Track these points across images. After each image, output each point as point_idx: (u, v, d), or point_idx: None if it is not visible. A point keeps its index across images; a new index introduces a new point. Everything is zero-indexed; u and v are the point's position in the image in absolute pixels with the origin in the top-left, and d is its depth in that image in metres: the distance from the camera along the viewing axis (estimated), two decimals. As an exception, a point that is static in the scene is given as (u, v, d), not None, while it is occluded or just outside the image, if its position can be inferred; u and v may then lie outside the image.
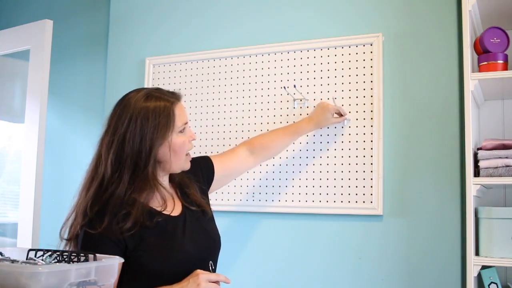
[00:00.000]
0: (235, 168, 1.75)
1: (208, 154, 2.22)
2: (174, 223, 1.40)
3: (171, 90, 1.46)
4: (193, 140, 1.46)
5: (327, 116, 1.90)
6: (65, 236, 1.35)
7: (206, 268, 1.40)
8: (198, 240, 1.43)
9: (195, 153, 2.25)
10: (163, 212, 1.39)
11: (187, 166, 1.47)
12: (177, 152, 1.39)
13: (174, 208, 1.43)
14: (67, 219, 1.36)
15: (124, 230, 1.28)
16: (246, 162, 1.78)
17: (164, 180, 1.46)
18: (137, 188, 1.34)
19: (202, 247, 1.43)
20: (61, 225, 1.37)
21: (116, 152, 1.33)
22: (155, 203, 1.39)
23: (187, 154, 1.46)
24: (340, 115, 1.96)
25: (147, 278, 1.30)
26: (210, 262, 1.44)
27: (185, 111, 1.44)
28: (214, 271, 1.45)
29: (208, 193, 1.64)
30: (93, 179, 1.35)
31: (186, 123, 1.42)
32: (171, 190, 1.48)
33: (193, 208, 1.47)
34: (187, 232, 1.41)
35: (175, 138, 1.38)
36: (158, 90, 1.42)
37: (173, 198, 1.45)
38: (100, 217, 1.29)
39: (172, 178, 1.50)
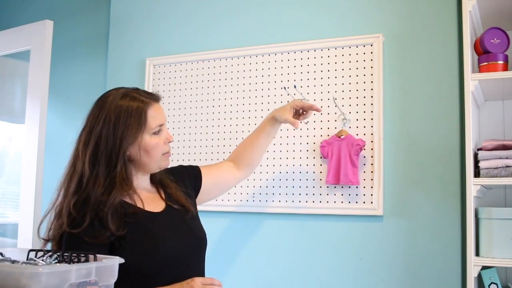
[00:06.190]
0: (222, 178, 1.74)
1: (207, 155, 2.23)
2: (155, 220, 1.41)
3: (151, 91, 1.47)
4: (169, 142, 1.45)
5: (286, 107, 1.72)
6: (43, 235, 1.34)
7: (191, 266, 1.40)
8: (181, 236, 1.43)
9: (195, 153, 2.26)
10: (144, 209, 1.39)
11: (164, 164, 1.46)
12: (150, 153, 1.40)
13: (155, 206, 1.44)
14: (45, 217, 1.36)
15: (107, 235, 1.29)
16: (232, 173, 1.76)
17: (143, 179, 1.46)
18: (114, 186, 1.34)
19: (185, 243, 1.43)
20: (39, 222, 1.37)
21: (92, 150, 1.35)
22: (134, 201, 1.39)
23: (166, 153, 1.45)
24: (303, 112, 1.76)
25: (131, 276, 1.29)
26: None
27: (162, 113, 1.43)
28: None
29: (197, 201, 1.64)
30: (72, 177, 1.36)
31: (161, 125, 1.42)
32: (153, 190, 1.49)
33: (176, 206, 1.48)
34: (169, 228, 1.42)
35: (148, 139, 1.39)
36: (136, 90, 1.43)
37: (154, 197, 1.46)
38: (82, 218, 1.29)
39: (153, 178, 1.51)
